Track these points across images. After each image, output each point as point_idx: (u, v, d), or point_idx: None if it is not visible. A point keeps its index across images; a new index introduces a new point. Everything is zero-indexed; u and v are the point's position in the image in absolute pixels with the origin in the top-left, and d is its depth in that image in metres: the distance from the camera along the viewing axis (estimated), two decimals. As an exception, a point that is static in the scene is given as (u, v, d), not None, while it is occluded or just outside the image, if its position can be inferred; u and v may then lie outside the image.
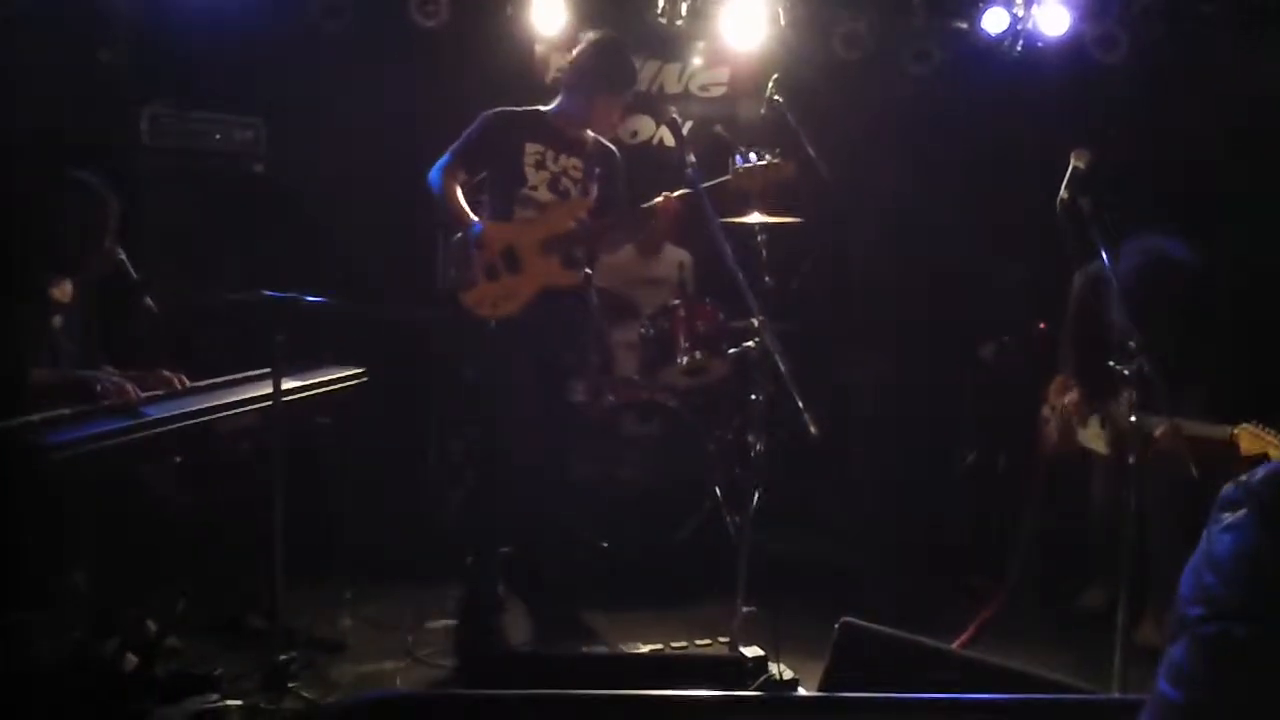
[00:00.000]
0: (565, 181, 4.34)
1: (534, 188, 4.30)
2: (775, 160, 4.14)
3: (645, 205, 4.32)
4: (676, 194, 4.24)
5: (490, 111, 4.38)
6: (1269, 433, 3.80)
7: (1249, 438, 3.81)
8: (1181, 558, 1.36)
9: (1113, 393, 4.27)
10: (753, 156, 4.12)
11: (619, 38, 4.45)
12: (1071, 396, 4.49)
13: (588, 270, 4.46)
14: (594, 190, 4.39)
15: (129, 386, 3.42)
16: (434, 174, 4.31)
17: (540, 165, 4.32)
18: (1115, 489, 4.39)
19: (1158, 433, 3.86)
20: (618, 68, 4.36)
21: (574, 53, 4.44)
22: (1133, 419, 3.41)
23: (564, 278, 4.31)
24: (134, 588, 3.61)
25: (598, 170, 4.41)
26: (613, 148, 4.56)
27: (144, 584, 3.65)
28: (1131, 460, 3.44)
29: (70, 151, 4.65)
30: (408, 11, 5.50)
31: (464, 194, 4.31)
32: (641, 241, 5.60)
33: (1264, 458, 3.80)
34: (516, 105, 4.41)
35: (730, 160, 4.13)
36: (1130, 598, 3.39)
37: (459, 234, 4.31)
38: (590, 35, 4.46)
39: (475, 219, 4.26)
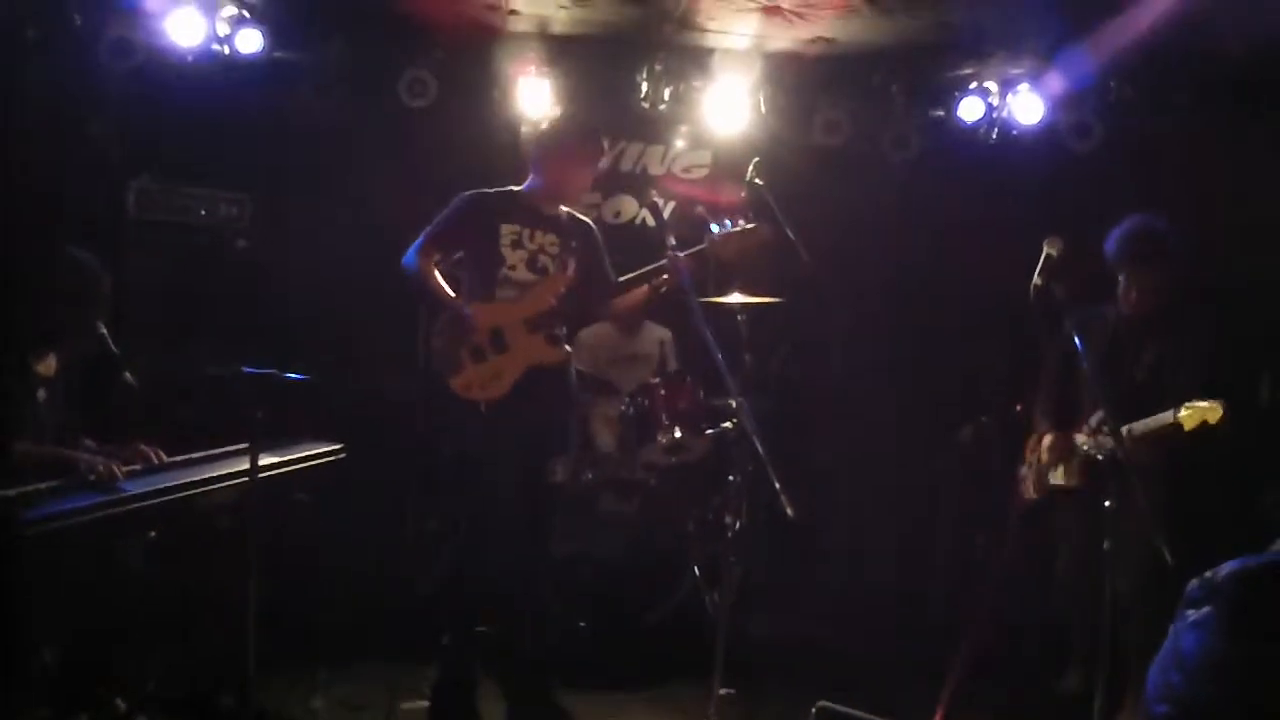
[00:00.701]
0: (543, 259, 4.37)
1: (513, 267, 4.32)
2: (750, 226, 4.20)
3: (629, 277, 4.35)
4: (660, 281, 4.29)
5: (464, 195, 4.40)
6: (1203, 403, 3.86)
7: (1188, 415, 3.88)
8: (1156, 644, 1.38)
9: (1076, 425, 4.36)
10: (727, 223, 4.18)
11: (580, 114, 4.52)
12: (1047, 442, 4.53)
13: (568, 347, 4.48)
14: (571, 265, 4.42)
15: (115, 468, 3.41)
16: (409, 258, 4.33)
17: (517, 244, 4.34)
18: (1083, 550, 4.40)
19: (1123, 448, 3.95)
20: (579, 135, 4.42)
21: (537, 132, 4.50)
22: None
23: (550, 355, 4.32)
24: (104, 664, 3.57)
25: (574, 244, 4.43)
26: (588, 221, 4.57)
27: (115, 661, 3.61)
28: (1106, 545, 3.47)
29: (57, 225, 4.69)
30: (395, 91, 5.58)
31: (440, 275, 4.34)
32: (621, 319, 5.63)
33: (1204, 426, 3.87)
34: (502, 185, 4.45)
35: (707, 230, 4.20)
36: (1107, 685, 3.38)
37: (443, 315, 4.32)
38: (559, 119, 4.54)
39: (457, 302, 4.28)
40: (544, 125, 4.53)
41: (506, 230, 4.34)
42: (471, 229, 4.36)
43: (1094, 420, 4.28)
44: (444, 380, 4.26)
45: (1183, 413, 3.92)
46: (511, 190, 4.45)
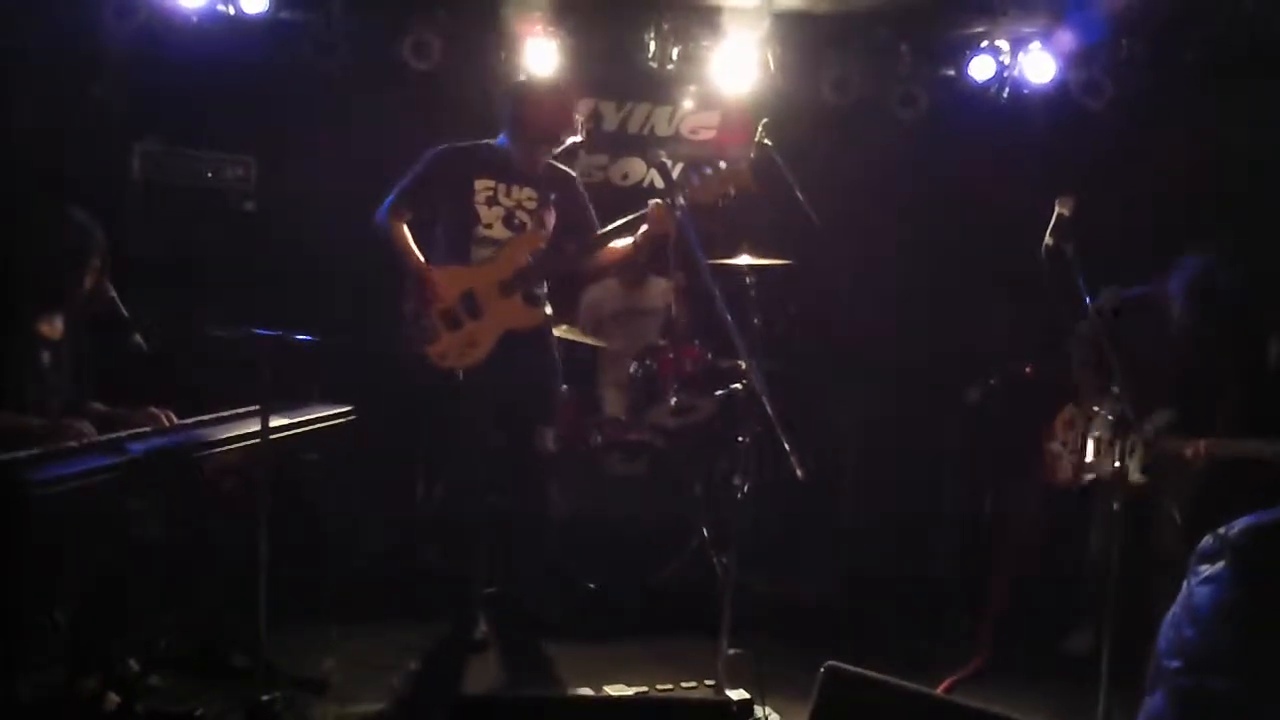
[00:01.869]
0: (520, 215, 4.28)
1: (489, 225, 4.25)
2: (724, 167, 4.10)
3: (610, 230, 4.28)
4: (643, 236, 4.21)
5: (435, 149, 4.33)
6: None
7: None
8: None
9: (1143, 415, 4.31)
10: (707, 169, 4.09)
11: (554, 84, 4.38)
12: (1098, 424, 4.48)
13: (548, 311, 4.41)
14: (550, 220, 4.34)
15: (83, 430, 3.40)
16: (380, 215, 4.26)
17: (493, 201, 4.26)
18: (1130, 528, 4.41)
19: (1189, 452, 3.99)
20: (548, 118, 4.28)
21: (506, 94, 4.36)
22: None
23: (527, 318, 4.24)
24: (116, 625, 3.59)
25: (553, 197, 4.34)
26: (568, 171, 4.49)
27: (127, 621, 3.63)
28: (1116, 506, 3.47)
29: (61, 188, 4.67)
30: (401, 53, 5.54)
31: (415, 233, 4.25)
32: (624, 273, 5.59)
33: None
34: (442, 145, 4.36)
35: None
36: (1115, 642, 3.38)
37: (411, 282, 4.25)
38: (523, 81, 4.41)
39: (423, 261, 4.22)
40: (514, 83, 4.41)
41: (481, 186, 4.25)
42: (443, 185, 4.27)
43: (1156, 421, 4.23)
44: (419, 349, 4.20)
45: None
46: (486, 143, 4.35)
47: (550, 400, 4.51)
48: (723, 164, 4.11)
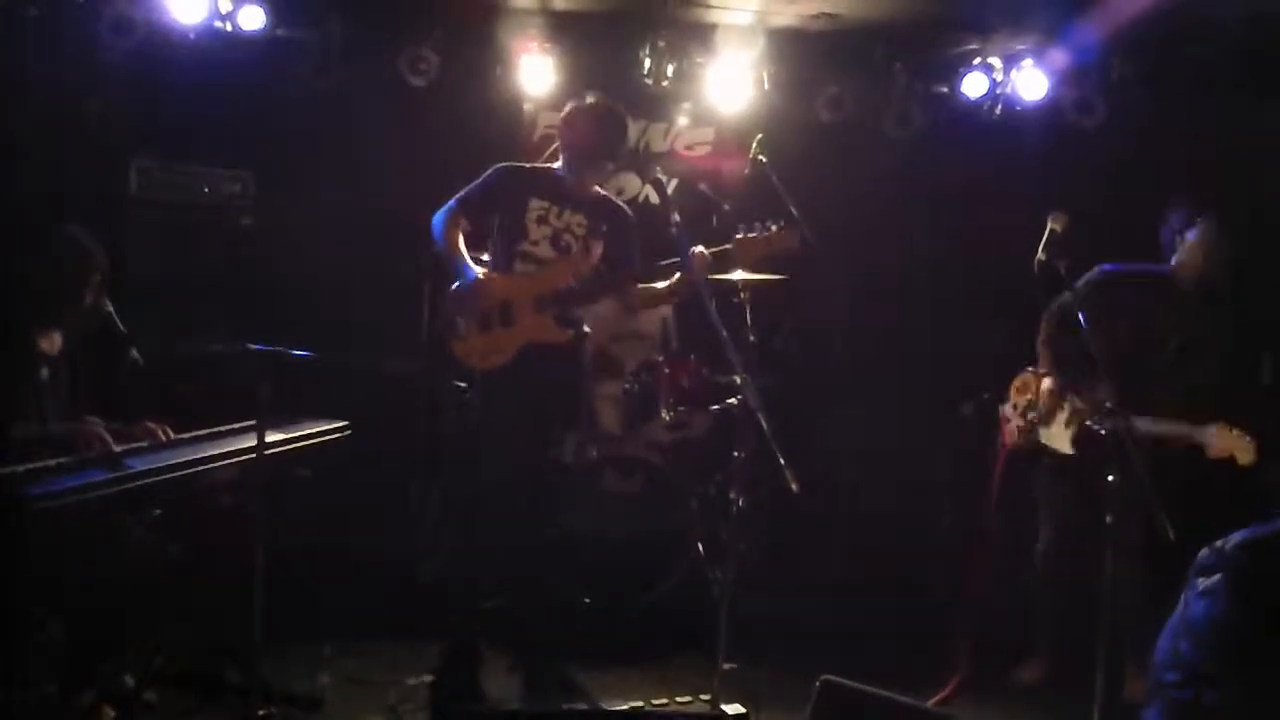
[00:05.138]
0: (567, 238, 4.35)
1: (535, 243, 4.31)
2: (778, 231, 4.16)
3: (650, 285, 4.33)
4: (671, 282, 4.25)
5: (501, 165, 4.42)
6: (1238, 434, 3.83)
7: (1217, 444, 3.84)
8: (1145, 605, 1.38)
9: (1085, 389, 4.27)
10: (756, 225, 4.14)
11: (609, 106, 4.42)
12: (1045, 385, 4.42)
13: (586, 329, 4.45)
14: (596, 250, 4.39)
15: (105, 436, 3.42)
16: (437, 220, 4.34)
17: (543, 221, 4.33)
18: (1073, 507, 4.36)
19: (1106, 429, 3.90)
20: (586, 141, 4.31)
21: (565, 116, 4.41)
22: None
23: (554, 335, 4.29)
24: (112, 640, 3.59)
25: (604, 227, 4.41)
26: (622, 205, 4.57)
27: (122, 637, 3.63)
28: (1109, 519, 3.47)
29: (59, 204, 4.68)
30: (398, 69, 5.57)
31: (468, 244, 4.32)
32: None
33: (1231, 460, 3.84)
34: (505, 162, 4.44)
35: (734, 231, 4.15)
36: (1110, 659, 3.39)
37: (456, 282, 4.32)
38: (580, 103, 4.45)
39: (473, 268, 4.28)
40: (568, 112, 4.48)
41: (534, 205, 4.34)
42: (501, 199, 4.36)
43: (1103, 394, 4.20)
44: (447, 342, 4.27)
45: (1211, 438, 3.87)
46: (548, 167, 4.46)
47: (573, 404, 4.56)
48: (773, 225, 4.15)
